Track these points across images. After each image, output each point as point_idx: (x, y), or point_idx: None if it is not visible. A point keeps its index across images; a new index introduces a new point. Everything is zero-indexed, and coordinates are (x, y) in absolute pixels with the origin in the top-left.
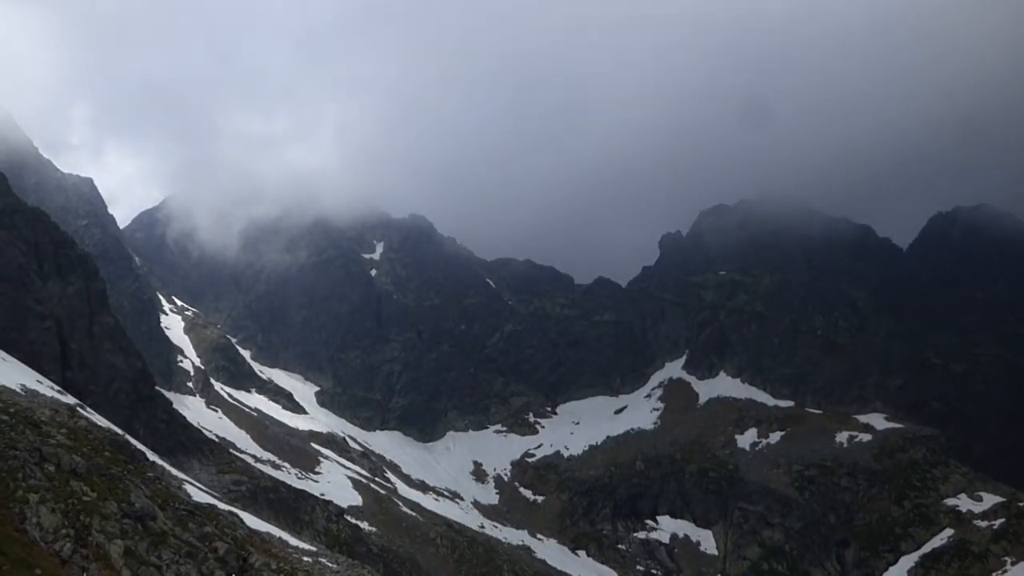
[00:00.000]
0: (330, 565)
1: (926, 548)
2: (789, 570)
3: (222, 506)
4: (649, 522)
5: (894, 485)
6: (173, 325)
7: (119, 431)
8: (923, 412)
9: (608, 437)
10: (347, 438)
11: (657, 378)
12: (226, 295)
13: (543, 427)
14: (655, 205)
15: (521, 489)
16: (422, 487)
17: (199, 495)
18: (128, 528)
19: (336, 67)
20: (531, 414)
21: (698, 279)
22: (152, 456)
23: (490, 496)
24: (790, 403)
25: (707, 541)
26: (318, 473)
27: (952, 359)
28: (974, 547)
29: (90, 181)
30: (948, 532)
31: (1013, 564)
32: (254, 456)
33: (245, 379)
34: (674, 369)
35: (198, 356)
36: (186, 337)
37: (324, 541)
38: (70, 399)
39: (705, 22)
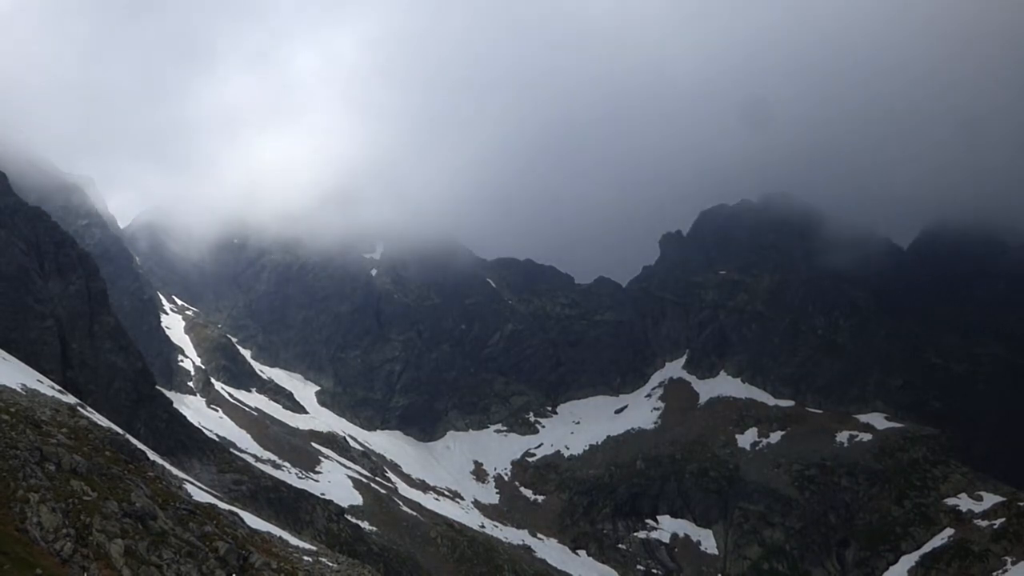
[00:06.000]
0: (330, 565)
1: (926, 548)
2: (789, 570)
3: (223, 505)
4: (649, 522)
5: (894, 485)
6: (173, 325)
7: (120, 431)
8: (923, 412)
9: (608, 437)
10: (347, 438)
11: (657, 378)
12: (226, 295)
13: (543, 427)
14: (655, 205)
15: (521, 489)
16: (422, 487)
17: (200, 494)
18: (128, 527)
19: (356, 71)
20: (531, 414)
21: (698, 279)
22: (153, 455)
23: (490, 496)
24: (790, 403)
25: (707, 541)
26: (318, 473)
27: (952, 359)
28: (974, 547)
29: (91, 180)
30: (948, 532)
31: (1013, 564)
32: (254, 456)
33: (245, 378)
34: (674, 369)
35: (198, 356)
36: (186, 337)
37: (324, 541)
38: (71, 399)
39: (705, 21)
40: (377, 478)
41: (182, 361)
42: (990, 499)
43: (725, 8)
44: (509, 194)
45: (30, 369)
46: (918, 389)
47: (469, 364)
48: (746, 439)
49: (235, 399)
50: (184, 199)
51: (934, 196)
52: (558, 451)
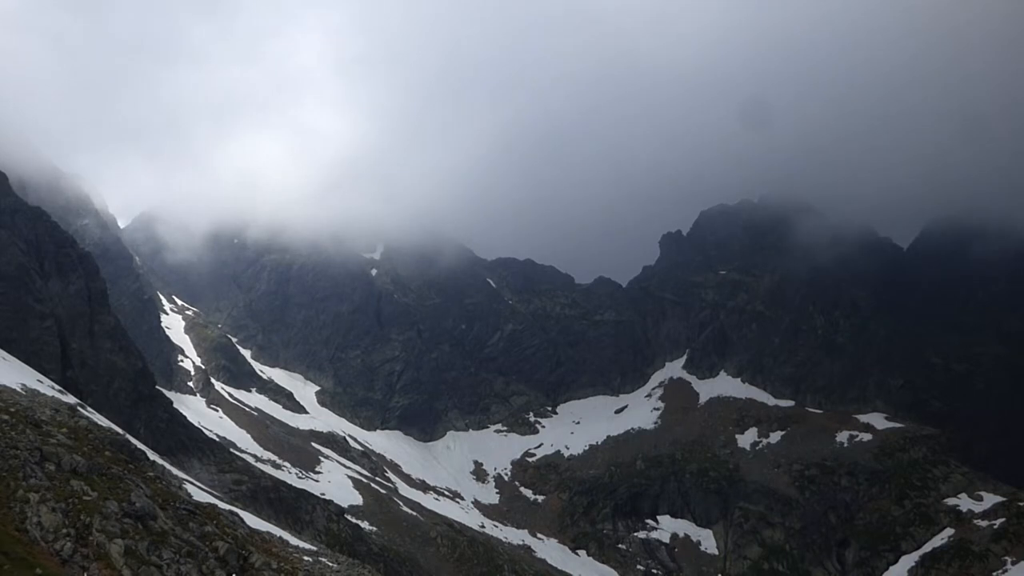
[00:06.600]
0: (330, 564)
1: (926, 548)
2: (789, 570)
3: (223, 505)
4: (649, 522)
5: (894, 485)
6: (173, 325)
7: (120, 430)
8: (923, 412)
9: (608, 437)
10: (347, 438)
11: (657, 378)
12: (226, 294)
13: (543, 427)
14: (655, 205)
15: (521, 489)
16: (422, 487)
17: (200, 494)
18: (129, 527)
19: (348, 73)
20: (531, 414)
21: (698, 279)
22: (153, 455)
23: (490, 496)
24: (790, 403)
25: (707, 541)
26: (318, 473)
27: (952, 359)
28: (974, 547)
29: (91, 181)
30: (948, 532)
31: (1013, 564)
32: (254, 456)
33: (245, 378)
34: (674, 369)
35: (199, 356)
36: (186, 336)
37: (324, 540)
38: (71, 398)
39: (706, 21)
40: (377, 478)
41: (182, 361)
42: (990, 499)
43: (726, 8)
44: (509, 194)
45: (30, 369)
46: (918, 389)
47: (469, 364)
48: (746, 439)
49: (235, 399)
50: (182, 199)
51: (934, 196)
52: (558, 451)
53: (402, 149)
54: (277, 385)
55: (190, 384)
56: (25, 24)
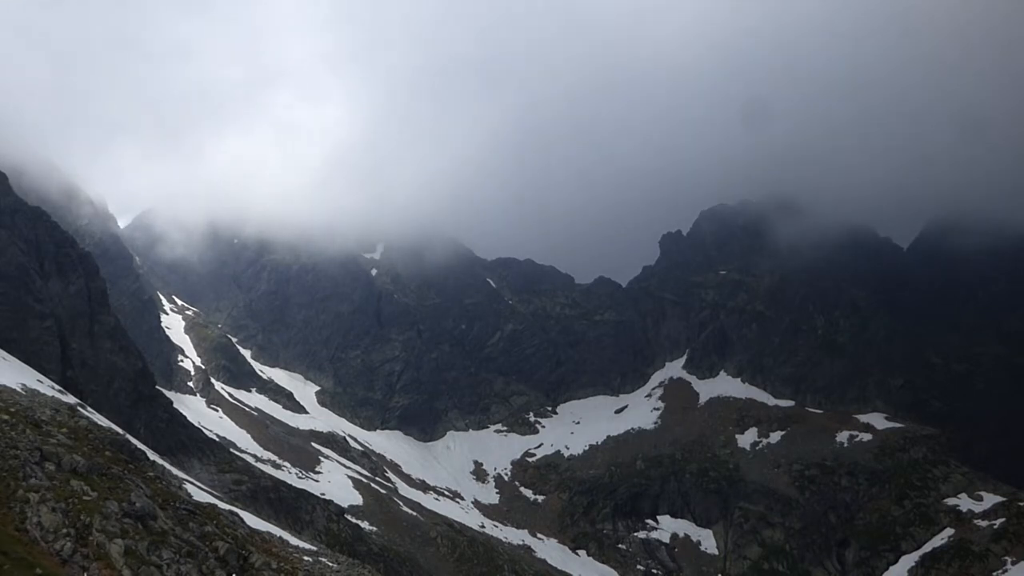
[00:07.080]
0: (330, 564)
1: (926, 548)
2: (789, 570)
3: (223, 505)
4: (649, 522)
5: (894, 485)
6: (173, 325)
7: (119, 430)
8: (923, 412)
9: (608, 437)
10: (347, 437)
11: (657, 378)
12: (226, 294)
13: (543, 427)
14: (655, 205)
15: (521, 489)
16: (422, 487)
17: (200, 494)
18: (129, 527)
19: (346, 71)
20: (531, 414)
21: (698, 279)
22: (153, 455)
23: (490, 496)
24: (790, 403)
25: (707, 541)
26: (318, 473)
27: (952, 359)
28: (974, 547)
29: (91, 180)
30: (948, 532)
31: (1013, 564)
32: (254, 456)
33: (245, 378)
34: (674, 369)
35: (199, 355)
36: (186, 336)
37: (324, 540)
38: (71, 399)
39: (705, 21)
40: (377, 478)
41: (182, 361)
42: (990, 499)
43: (727, 7)
44: (509, 194)
45: (30, 369)
46: (918, 389)
47: (469, 364)
48: (746, 439)
49: (235, 399)
50: (180, 197)
51: (934, 196)
52: (558, 451)
53: (402, 148)
54: (277, 385)
55: (190, 384)
56: (19, 23)
